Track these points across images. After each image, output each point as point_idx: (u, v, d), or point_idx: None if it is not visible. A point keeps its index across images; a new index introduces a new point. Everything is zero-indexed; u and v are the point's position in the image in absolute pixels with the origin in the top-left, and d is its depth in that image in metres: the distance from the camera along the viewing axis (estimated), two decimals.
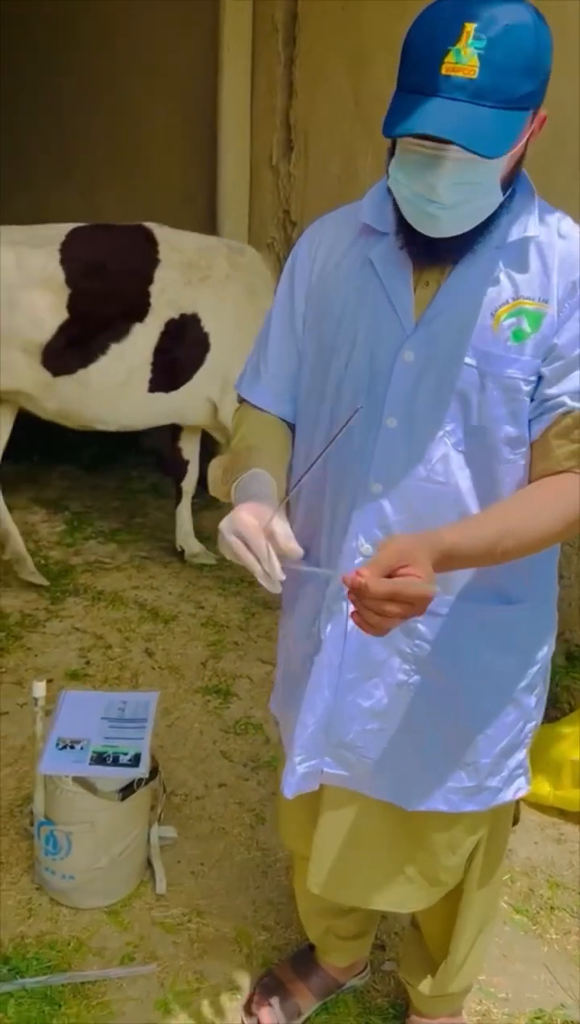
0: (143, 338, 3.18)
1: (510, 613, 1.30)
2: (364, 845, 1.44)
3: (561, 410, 1.16)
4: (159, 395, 3.30)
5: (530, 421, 1.20)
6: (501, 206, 1.14)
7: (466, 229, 1.13)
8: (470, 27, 1.01)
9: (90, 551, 3.79)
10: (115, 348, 3.15)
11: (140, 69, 4.50)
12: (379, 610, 1.02)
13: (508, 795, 1.40)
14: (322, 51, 3.53)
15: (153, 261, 3.20)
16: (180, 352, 3.24)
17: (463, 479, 1.22)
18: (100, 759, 1.89)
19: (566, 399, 1.16)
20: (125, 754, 1.90)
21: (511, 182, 1.14)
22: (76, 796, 1.86)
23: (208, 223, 4.09)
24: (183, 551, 3.70)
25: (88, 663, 2.93)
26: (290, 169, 3.78)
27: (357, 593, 1.01)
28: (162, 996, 1.76)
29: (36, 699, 1.91)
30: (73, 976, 1.77)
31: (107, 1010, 1.72)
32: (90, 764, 1.88)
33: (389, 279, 1.22)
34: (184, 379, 3.29)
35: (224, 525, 1.12)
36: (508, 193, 1.14)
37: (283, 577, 1.09)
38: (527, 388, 1.18)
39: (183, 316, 3.21)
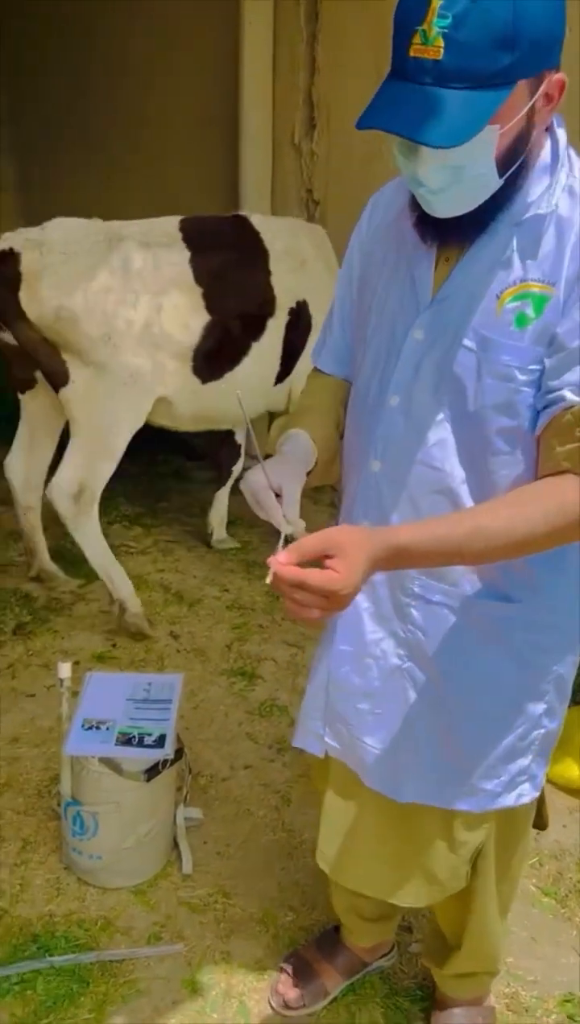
0: (275, 332, 3.09)
1: (506, 611, 1.24)
2: (363, 835, 1.45)
3: (561, 405, 1.08)
4: (278, 387, 3.23)
5: (538, 413, 1.13)
6: (517, 178, 1.09)
7: (463, 210, 1.09)
8: (436, 3, 0.95)
9: (115, 535, 3.80)
10: (255, 347, 3.05)
11: (161, 49, 4.47)
12: (290, 596, 0.99)
13: (508, 800, 1.35)
14: (345, 26, 3.48)
15: (264, 251, 3.09)
16: (297, 341, 3.17)
17: (458, 467, 1.18)
18: (126, 740, 1.89)
19: (566, 392, 1.08)
20: (150, 735, 1.91)
21: (516, 156, 1.06)
22: (102, 777, 1.87)
23: (230, 203, 4.06)
24: (212, 534, 3.69)
25: (114, 646, 2.94)
26: (313, 147, 3.74)
27: (272, 579, 0.99)
28: (189, 975, 1.76)
29: (61, 680, 1.92)
30: (101, 955, 1.78)
31: (134, 988, 1.73)
32: (116, 745, 1.88)
33: (415, 253, 1.20)
34: (293, 367, 3.22)
35: (243, 484, 1.16)
36: (515, 168, 1.07)
37: (290, 530, 1.10)
38: (524, 378, 1.11)
39: (298, 304, 3.13)
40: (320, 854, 1.51)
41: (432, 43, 0.96)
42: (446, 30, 0.94)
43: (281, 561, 0.98)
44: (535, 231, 1.10)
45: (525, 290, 1.10)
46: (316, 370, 1.43)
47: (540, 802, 1.52)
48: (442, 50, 0.95)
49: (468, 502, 1.19)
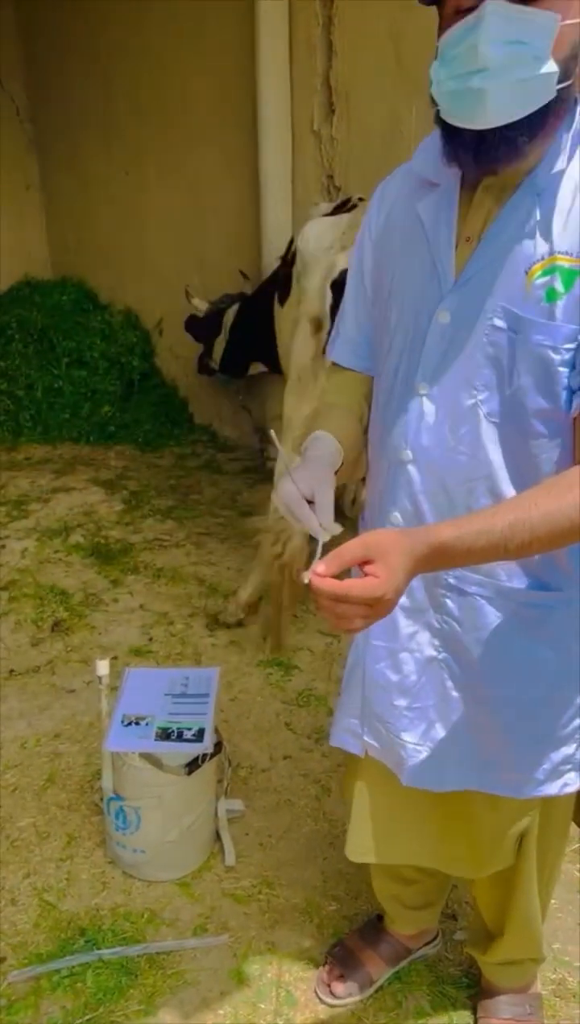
0: None
1: (544, 599, 1.22)
2: (403, 816, 1.45)
3: None
4: None
5: (574, 393, 1.09)
6: (557, 112, 1.03)
7: (518, 111, 1.00)
8: None
9: (149, 529, 3.83)
10: None
11: (178, 38, 4.45)
12: (332, 610, 0.96)
13: (552, 789, 1.33)
14: (361, 9, 3.43)
15: None
16: None
17: (495, 453, 1.14)
18: (165, 735, 1.91)
19: None
20: (189, 729, 1.92)
21: (567, 75, 1.01)
22: (143, 772, 1.89)
23: (252, 190, 4.05)
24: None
25: (151, 640, 2.96)
26: (332, 133, 3.70)
27: (311, 592, 0.97)
28: (235, 966, 1.78)
29: (100, 677, 1.94)
30: (148, 947, 1.81)
31: (182, 979, 1.75)
32: (155, 740, 1.89)
33: (434, 233, 1.16)
34: None
35: (274, 496, 1.16)
36: (565, 85, 1.01)
37: (327, 538, 1.08)
38: (559, 357, 1.07)
39: None
40: (352, 848, 1.50)
41: None
42: None
43: (319, 573, 0.96)
44: (560, 198, 1.06)
45: (553, 264, 1.05)
46: (334, 365, 1.40)
47: None
48: None
49: (507, 489, 1.15)
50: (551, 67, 0.99)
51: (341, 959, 1.74)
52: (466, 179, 1.15)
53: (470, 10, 0.99)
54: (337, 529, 1.10)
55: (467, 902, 1.92)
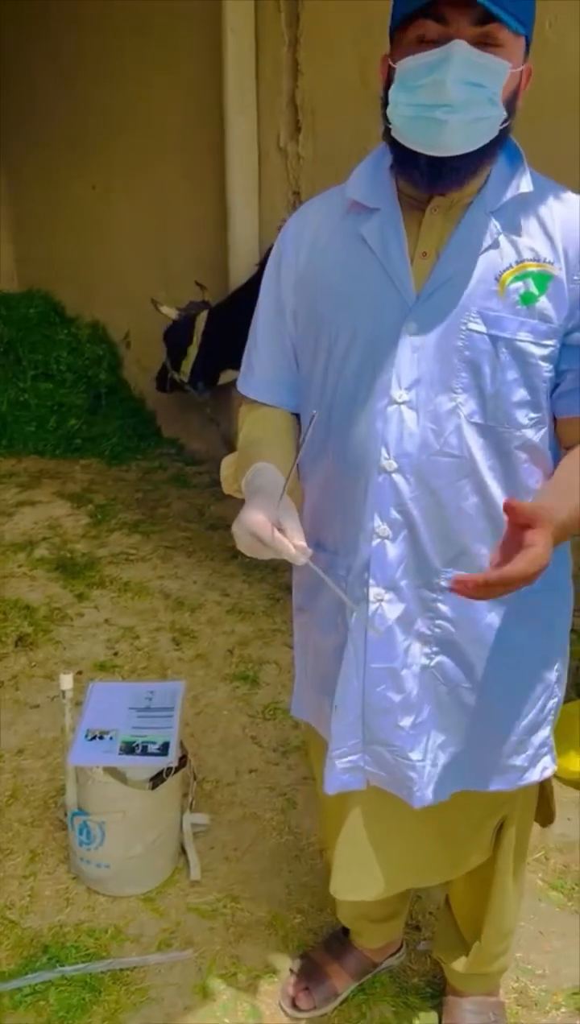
0: None
1: (531, 586, 1.27)
2: (394, 841, 1.43)
3: None
4: None
5: (566, 398, 1.17)
6: (498, 146, 1.14)
7: (469, 146, 1.10)
8: None
9: (115, 543, 3.82)
10: None
11: (145, 58, 4.48)
12: (491, 595, 1.03)
13: (534, 775, 1.38)
14: (326, 30, 3.48)
15: None
16: None
17: (478, 450, 1.20)
18: (129, 749, 1.90)
19: None
20: (154, 743, 1.92)
21: (506, 116, 1.12)
22: (107, 786, 1.88)
23: (219, 205, 4.07)
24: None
25: (116, 654, 2.95)
26: (299, 150, 3.74)
27: (462, 590, 1.02)
28: (200, 981, 1.77)
29: (64, 691, 1.93)
30: (112, 963, 1.79)
31: (146, 996, 1.74)
32: (119, 754, 1.89)
33: (384, 252, 1.19)
34: None
35: (236, 528, 1.13)
36: (505, 124, 1.12)
37: (304, 560, 1.10)
38: (540, 352, 1.16)
39: None
40: (339, 886, 1.48)
41: None
42: None
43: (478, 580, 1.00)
44: (515, 215, 1.16)
45: (524, 270, 1.15)
46: (249, 402, 1.39)
47: (548, 797, 1.54)
48: None
49: (492, 484, 1.21)
50: (500, 110, 1.10)
51: (306, 972, 1.74)
52: (406, 202, 1.20)
53: (433, 42, 1.06)
54: (309, 552, 1.11)
55: (431, 912, 1.93)
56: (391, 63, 1.12)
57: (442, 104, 1.06)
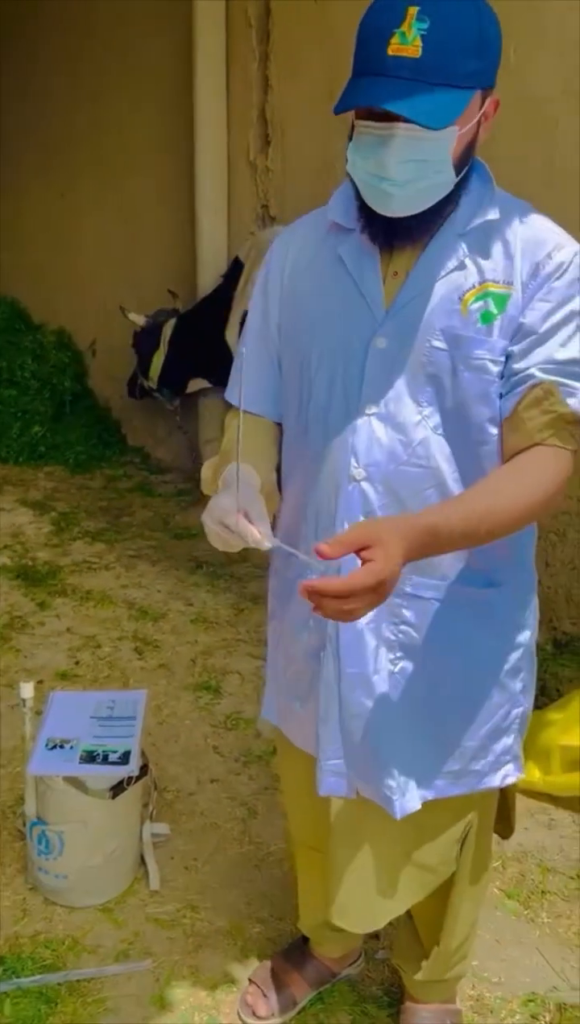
0: None
1: (492, 595, 1.31)
2: (376, 862, 1.43)
3: (531, 383, 1.18)
4: None
5: (504, 398, 1.21)
6: (459, 189, 1.18)
7: (421, 208, 1.16)
8: (413, 10, 1.06)
9: (77, 551, 3.80)
10: None
11: (115, 69, 4.50)
12: (338, 608, 1.02)
13: (495, 781, 1.41)
14: (296, 46, 3.53)
15: None
16: None
17: (444, 461, 1.23)
18: (90, 758, 1.90)
19: (535, 371, 1.17)
20: (115, 752, 1.91)
21: (464, 163, 1.16)
22: (67, 795, 1.87)
23: (188, 217, 4.09)
24: None
25: (78, 663, 2.93)
26: (267, 164, 3.78)
27: (312, 600, 1.02)
28: (157, 991, 1.77)
29: (24, 700, 1.92)
30: (68, 974, 1.78)
31: (103, 1007, 1.73)
32: (80, 763, 1.88)
33: (358, 271, 1.25)
34: None
35: (204, 516, 1.17)
36: (463, 175, 1.17)
37: (268, 546, 1.13)
38: (496, 369, 1.20)
39: None
40: (340, 912, 1.47)
41: (411, 43, 1.06)
42: (425, 31, 1.06)
43: (321, 551, 1.01)
44: (482, 238, 1.20)
45: (486, 290, 1.19)
46: (235, 410, 1.42)
47: (509, 809, 1.56)
48: (420, 48, 1.06)
49: (457, 491, 1.24)
50: (449, 174, 1.14)
51: (265, 981, 1.74)
52: None
53: (380, 116, 1.10)
54: (275, 541, 1.14)
55: (390, 922, 1.94)
56: (354, 114, 1.16)
57: (387, 179, 1.13)
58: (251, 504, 1.16)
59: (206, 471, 1.26)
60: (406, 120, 1.07)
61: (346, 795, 1.39)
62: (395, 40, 1.06)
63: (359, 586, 1.01)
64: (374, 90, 1.08)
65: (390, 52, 1.06)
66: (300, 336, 1.31)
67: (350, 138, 1.17)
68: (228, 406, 1.45)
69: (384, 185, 1.13)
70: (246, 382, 1.41)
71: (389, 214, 1.16)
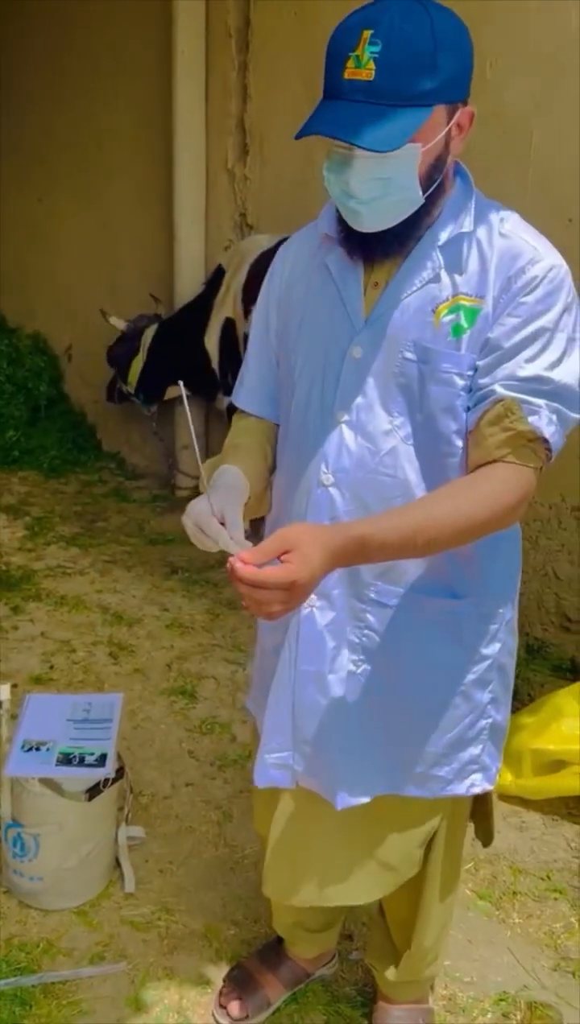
0: None
1: (455, 607, 1.32)
2: (317, 843, 1.46)
3: (492, 398, 1.18)
4: None
5: (469, 413, 1.22)
6: (438, 199, 1.21)
7: (389, 223, 1.19)
8: (367, 33, 1.09)
9: (52, 556, 3.78)
10: None
11: (96, 76, 4.51)
12: (252, 596, 1.05)
13: (460, 789, 1.42)
14: (275, 56, 3.56)
15: None
16: None
17: (412, 471, 1.26)
18: (66, 760, 1.90)
19: (497, 387, 1.18)
20: (91, 754, 1.91)
21: (435, 177, 1.18)
22: (43, 797, 1.87)
23: (166, 223, 4.11)
24: None
25: (52, 667, 2.93)
26: (246, 172, 3.81)
27: (231, 576, 1.06)
28: (132, 993, 1.77)
29: (0, 702, 1.92)
30: (43, 976, 1.78)
31: (77, 1009, 1.73)
32: (56, 765, 1.88)
33: (342, 281, 1.28)
34: None
35: (184, 518, 1.20)
36: (435, 187, 1.19)
37: (238, 549, 1.14)
38: (463, 383, 1.21)
39: None
40: (268, 887, 1.51)
41: (364, 66, 1.09)
42: (376, 55, 1.08)
43: (243, 560, 1.04)
44: (458, 251, 1.22)
45: (457, 303, 1.20)
46: (239, 412, 1.49)
47: (487, 816, 1.58)
48: (374, 72, 1.09)
49: None
50: (415, 190, 1.17)
51: (239, 981, 1.75)
52: None
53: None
54: (246, 545, 1.16)
55: (364, 923, 1.96)
56: None
57: (353, 197, 1.17)
58: (227, 507, 1.19)
59: (205, 471, 1.30)
60: (351, 143, 1.10)
61: (288, 786, 1.42)
62: (350, 64, 1.10)
63: (270, 581, 1.04)
64: (327, 115, 1.12)
65: (346, 76, 1.11)
66: (289, 342, 1.35)
67: (326, 160, 1.21)
68: (236, 408, 1.50)
69: (351, 203, 1.17)
70: (246, 384, 1.47)
71: (361, 230, 1.20)
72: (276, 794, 1.47)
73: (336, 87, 1.12)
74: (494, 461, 1.19)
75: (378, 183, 1.15)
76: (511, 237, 1.21)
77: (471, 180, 1.27)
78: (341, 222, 1.24)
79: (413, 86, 1.10)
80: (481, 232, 1.22)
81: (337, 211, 1.24)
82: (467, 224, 1.22)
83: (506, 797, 2.37)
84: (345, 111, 1.10)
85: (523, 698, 2.63)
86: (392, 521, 1.14)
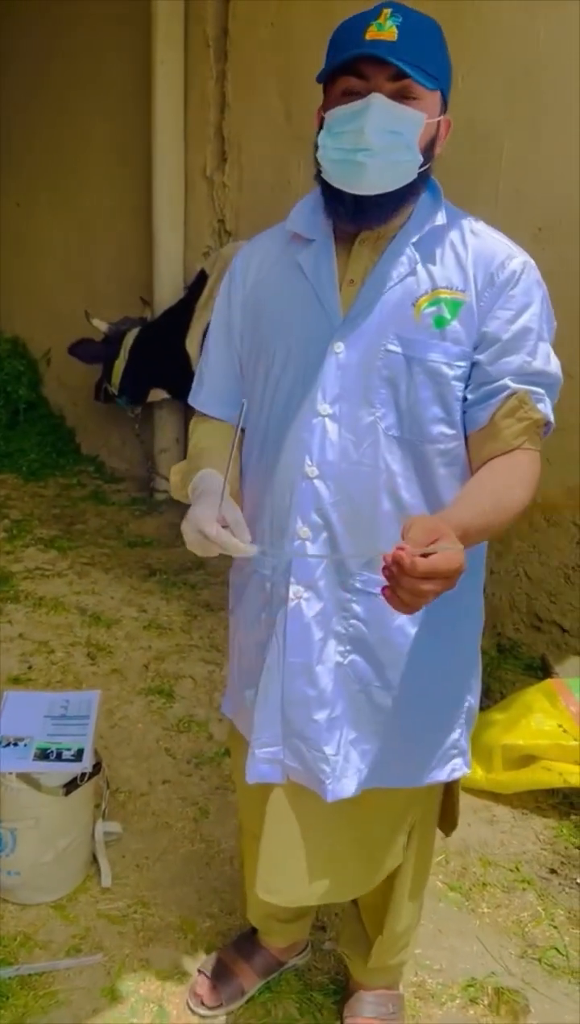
0: None
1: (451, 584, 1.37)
2: (308, 842, 1.48)
3: (505, 393, 1.25)
4: None
5: (475, 408, 1.28)
6: (420, 184, 1.26)
7: (391, 185, 1.23)
8: (387, 10, 1.19)
9: (30, 558, 3.80)
10: None
11: (76, 83, 4.54)
12: (415, 588, 1.04)
13: (442, 775, 1.46)
14: (253, 66, 3.62)
15: None
16: None
17: (394, 462, 1.30)
18: (44, 755, 1.93)
19: (508, 381, 1.25)
20: (68, 749, 1.94)
21: (426, 159, 1.25)
22: (20, 792, 1.89)
23: (145, 229, 4.15)
24: None
25: (30, 668, 2.95)
26: (224, 180, 3.86)
27: (399, 570, 1.03)
28: (108, 984, 1.80)
29: None
30: (20, 969, 1.80)
31: (54, 1000, 1.75)
32: (34, 760, 1.91)
33: (316, 279, 1.32)
34: None
35: (184, 526, 1.23)
36: (417, 177, 1.25)
37: (252, 552, 1.19)
38: (452, 373, 1.27)
39: None
40: (262, 888, 1.50)
41: (387, 29, 1.18)
42: (399, 24, 1.18)
43: (403, 556, 1.02)
44: (432, 247, 1.28)
45: (437, 296, 1.26)
46: (199, 415, 1.51)
47: (453, 805, 1.62)
48: (396, 35, 1.18)
49: (406, 494, 1.31)
50: (416, 155, 1.24)
51: (214, 971, 1.79)
52: (339, 234, 1.33)
53: (357, 94, 1.21)
54: (254, 548, 1.20)
55: (337, 914, 2.00)
56: (322, 113, 1.26)
57: (362, 148, 1.20)
58: (229, 512, 1.22)
59: (174, 475, 1.33)
60: (394, 82, 1.18)
61: (278, 781, 1.44)
62: (372, 28, 1.18)
63: (442, 568, 1.02)
64: (357, 53, 1.18)
65: (367, 36, 1.18)
66: (262, 342, 1.38)
67: (319, 129, 1.26)
68: (194, 411, 1.52)
69: (359, 156, 1.20)
70: (207, 386, 1.49)
71: (362, 189, 1.23)
72: (265, 791, 1.48)
73: (356, 46, 1.19)
74: (511, 451, 1.26)
75: (390, 135, 1.20)
76: (482, 236, 1.29)
77: (441, 190, 1.33)
78: (332, 196, 1.27)
79: (430, 57, 1.20)
80: (453, 231, 1.29)
81: (323, 190, 1.29)
82: (440, 218, 1.29)
83: (477, 792, 2.42)
84: (374, 58, 1.17)
85: (495, 696, 2.68)
86: (476, 509, 1.18)
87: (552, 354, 1.30)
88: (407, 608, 1.07)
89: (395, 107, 1.19)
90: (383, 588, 1.08)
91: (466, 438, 1.32)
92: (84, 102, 4.51)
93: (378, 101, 1.19)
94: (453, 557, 1.04)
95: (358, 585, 1.35)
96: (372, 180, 1.22)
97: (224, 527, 1.20)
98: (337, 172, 1.24)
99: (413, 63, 1.18)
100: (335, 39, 1.24)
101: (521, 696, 2.49)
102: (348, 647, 1.38)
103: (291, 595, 1.35)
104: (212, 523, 1.19)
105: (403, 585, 1.04)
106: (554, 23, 2.59)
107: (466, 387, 1.29)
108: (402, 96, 1.20)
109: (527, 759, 2.35)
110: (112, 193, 4.47)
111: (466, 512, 1.17)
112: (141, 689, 2.86)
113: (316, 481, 1.32)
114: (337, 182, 1.25)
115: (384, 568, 1.05)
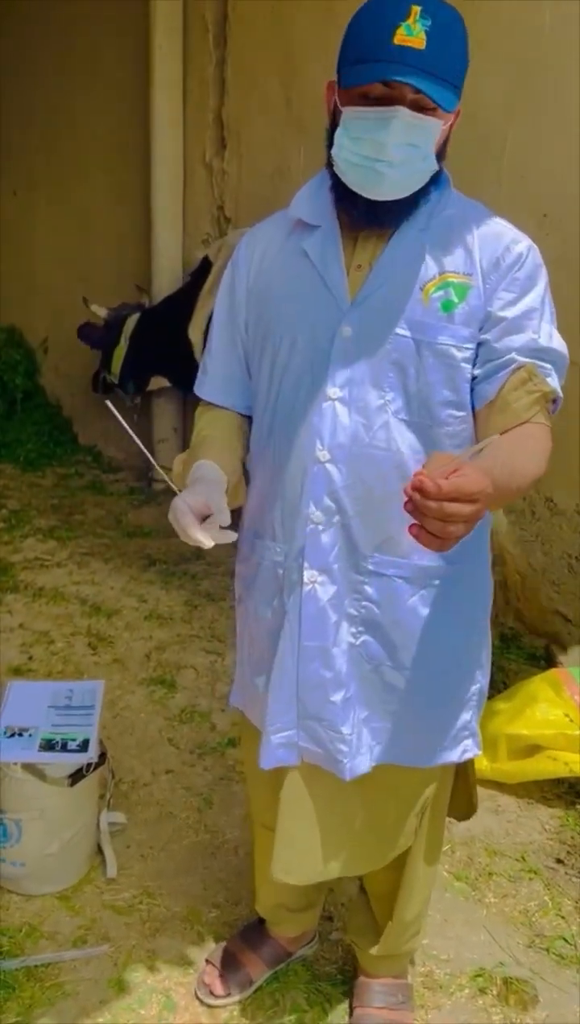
0: None
1: (452, 572, 1.37)
2: (324, 822, 1.48)
3: (513, 367, 1.26)
4: None
5: (482, 384, 1.28)
6: (430, 182, 1.26)
7: (406, 192, 1.24)
8: (416, 9, 1.14)
9: (29, 548, 3.78)
10: None
11: (73, 69, 4.50)
12: (442, 512, 0.98)
13: (454, 756, 1.46)
14: (253, 51, 3.58)
15: None
16: None
17: (404, 444, 1.30)
18: (49, 746, 1.91)
19: (515, 355, 1.26)
20: (73, 740, 1.93)
21: (439, 159, 1.25)
22: (25, 783, 1.88)
23: (143, 217, 4.11)
24: None
25: (31, 658, 2.93)
26: (223, 166, 3.82)
27: (423, 496, 0.98)
28: (115, 975, 1.79)
29: None
30: (26, 960, 1.79)
31: (60, 991, 1.74)
32: (39, 751, 1.90)
33: (323, 264, 1.31)
34: None
35: (169, 514, 1.22)
36: (436, 172, 1.25)
37: (233, 537, 1.18)
38: (461, 355, 1.27)
39: None
40: (278, 868, 1.49)
41: (416, 35, 1.14)
42: (428, 29, 1.14)
43: (424, 481, 0.98)
44: (441, 234, 1.29)
45: (445, 280, 1.27)
46: (204, 403, 1.50)
47: (471, 790, 1.62)
48: (425, 42, 1.14)
49: None
50: (433, 163, 1.24)
51: (222, 961, 1.78)
52: (342, 220, 1.32)
53: (377, 101, 1.18)
54: (233, 535, 1.19)
55: (343, 904, 2.00)
56: (338, 103, 1.23)
57: (382, 160, 1.20)
58: (213, 497, 1.21)
59: (177, 465, 1.32)
60: (416, 94, 1.15)
61: (294, 764, 1.44)
62: (401, 31, 1.14)
63: (466, 488, 0.98)
64: (391, 70, 1.15)
65: (395, 41, 1.14)
66: (269, 329, 1.37)
67: (333, 127, 1.24)
68: (199, 400, 1.50)
69: (379, 166, 1.20)
70: (211, 375, 1.48)
71: (378, 196, 1.23)
72: (278, 778, 1.47)
73: (384, 51, 1.15)
74: (522, 424, 1.25)
75: (411, 149, 1.19)
76: (487, 222, 1.30)
77: (448, 178, 1.32)
78: (345, 194, 1.26)
79: (454, 66, 1.18)
80: (459, 217, 1.29)
81: (335, 186, 1.27)
82: (450, 208, 1.29)
83: (482, 781, 2.41)
84: (401, 71, 1.14)
85: (498, 686, 2.67)
86: (493, 460, 1.11)
87: (557, 335, 1.31)
88: (438, 541, 1.02)
89: (418, 121, 1.18)
90: (410, 526, 1.03)
91: (474, 416, 1.32)
92: (81, 88, 4.47)
93: (403, 116, 1.17)
94: (477, 479, 1.00)
95: (370, 567, 1.35)
96: (389, 189, 1.23)
97: (208, 515, 1.19)
98: (354, 176, 1.24)
99: (439, 76, 1.16)
100: (358, 31, 1.20)
101: (526, 686, 2.49)
102: (360, 628, 1.38)
103: (306, 580, 1.35)
104: (187, 513, 1.18)
105: (429, 513, 0.99)
106: (560, 9, 2.56)
107: (474, 366, 1.29)
108: (423, 107, 1.18)
109: (532, 748, 2.35)
110: (110, 181, 4.44)
111: (486, 459, 1.12)
112: (143, 679, 2.85)
113: (328, 465, 1.32)
114: (353, 185, 1.25)
115: (407, 502, 1.00)
